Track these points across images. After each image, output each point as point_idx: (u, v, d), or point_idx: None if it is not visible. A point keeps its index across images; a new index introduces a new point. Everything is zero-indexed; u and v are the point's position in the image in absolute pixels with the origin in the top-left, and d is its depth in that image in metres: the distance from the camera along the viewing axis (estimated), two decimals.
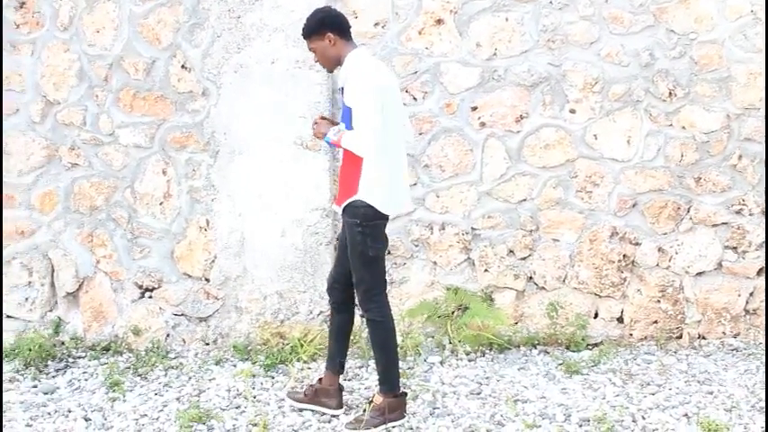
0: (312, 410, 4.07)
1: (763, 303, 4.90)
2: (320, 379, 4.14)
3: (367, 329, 4.02)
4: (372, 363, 4.43)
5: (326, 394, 4.06)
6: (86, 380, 4.62)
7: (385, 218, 3.81)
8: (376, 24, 4.88)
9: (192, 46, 4.91)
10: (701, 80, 4.83)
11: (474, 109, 4.90)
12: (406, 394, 4.02)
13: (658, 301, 4.93)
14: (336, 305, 4.03)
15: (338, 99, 3.91)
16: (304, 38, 3.85)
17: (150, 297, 5.05)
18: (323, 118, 3.91)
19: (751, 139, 4.84)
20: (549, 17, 4.83)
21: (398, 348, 4.77)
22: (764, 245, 4.88)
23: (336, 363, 4.07)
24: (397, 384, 3.95)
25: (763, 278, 4.89)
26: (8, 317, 5.11)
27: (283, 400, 4.23)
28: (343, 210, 3.79)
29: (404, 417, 3.95)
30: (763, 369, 4.50)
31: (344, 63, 3.77)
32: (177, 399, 4.33)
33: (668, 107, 4.86)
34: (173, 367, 4.75)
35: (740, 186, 4.87)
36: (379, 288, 3.88)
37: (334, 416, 4.03)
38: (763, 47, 4.78)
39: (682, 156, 4.87)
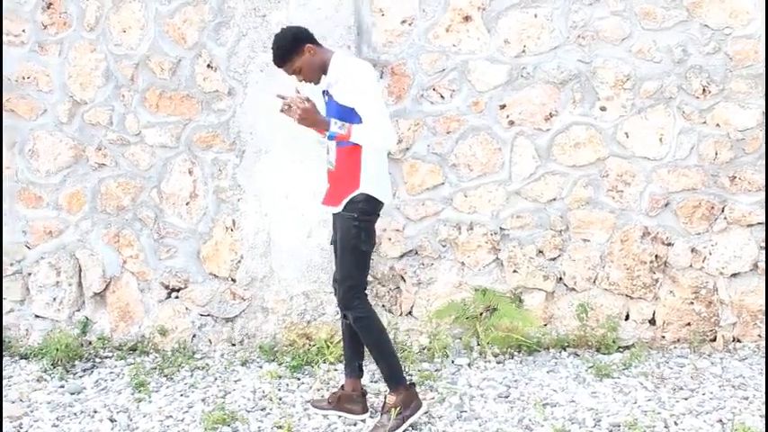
0: (339, 415, 4.04)
1: None
2: (342, 385, 4.10)
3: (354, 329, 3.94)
4: None
5: (350, 400, 4.02)
6: (113, 380, 4.62)
7: (377, 214, 3.87)
8: (403, 22, 4.82)
9: (217, 45, 4.88)
10: (737, 76, 4.70)
11: (502, 107, 4.82)
12: (414, 384, 3.98)
13: (691, 303, 4.82)
14: None
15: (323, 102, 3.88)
16: (282, 64, 3.78)
17: (177, 297, 5.05)
18: (308, 99, 3.76)
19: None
20: (578, 13, 4.74)
21: (426, 350, 4.76)
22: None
23: (355, 366, 4.05)
24: (402, 377, 3.92)
25: None
26: (36, 316, 5.15)
27: (309, 401, 4.20)
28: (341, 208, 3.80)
29: (421, 405, 3.93)
30: None
31: (332, 65, 3.76)
32: (203, 400, 4.32)
33: (702, 104, 4.74)
34: (199, 368, 4.73)
35: None
36: (364, 286, 3.89)
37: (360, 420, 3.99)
38: None
39: (716, 154, 4.75)
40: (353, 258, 3.81)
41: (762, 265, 4.76)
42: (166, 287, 5.04)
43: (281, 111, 3.75)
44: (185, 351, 4.93)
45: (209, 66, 4.90)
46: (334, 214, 3.88)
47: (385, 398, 3.93)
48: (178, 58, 4.92)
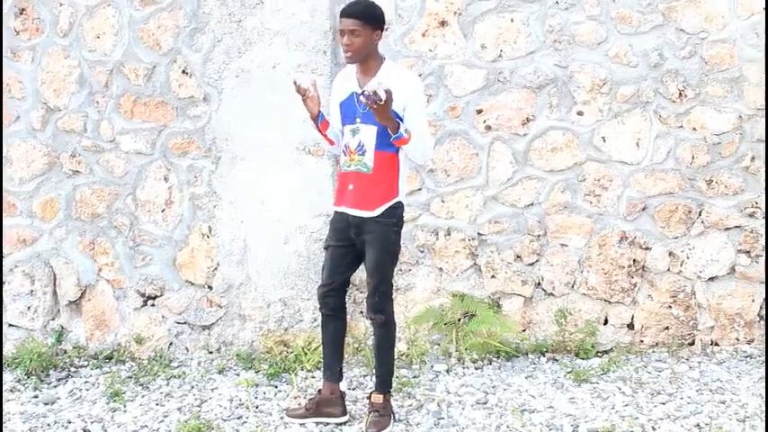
0: (316, 422, 4.00)
1: None
2: (320, 390, 4.07)
3: (375, 333, 3.96)
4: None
5: (329, 403, 3.99)
6: (87, 390, 4.56)
7: None
8: None
9: (192, 51, 4.85)
10: (712, 80, 4.72)
11: (479, 112, 4.81)
12: None
13: (670, 307, 4.82)
14: (334, 312, 3.99)
15: (356, 101, 3.79)
16: (354, 17, 3.62)
17: (153, 305, 5.00)
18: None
19: (764, 141, 4.72)
20: (555, 17, 4.74)
21: (404, 356, 4.76)
22: (764, 247, 4.77)
23: (336, 370, 4.02)
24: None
25: None
26: (10, 326, 5.08)
27: (285, 410, 4.16)
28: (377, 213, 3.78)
29: None
30: None
31: (384, 67, 3.74)
32: (178, 409, 4.26)
33: (678, 108, 4.74)
34: (175, 376, 4.68)
35: (753, 189, 4.74)
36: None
37: (340, 423, 3.96)
38: None
39: (692, 158, 4.75)
40: (391, 263, 3.88)
41: (739, 268, 4.77)
42: (142, 295, 4.99)
43: (364, 94, 3.52)
44: (162, 359, 4.88)
45: (184, 72, 4.86)
46: (357, 217, 3.79)
47: (370, 397, 3.95)
48: (153, 64, 4.88)
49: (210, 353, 4.96)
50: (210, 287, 4.94)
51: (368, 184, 3.77)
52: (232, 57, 4.80)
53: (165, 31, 4.85)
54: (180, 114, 4.89)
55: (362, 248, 3.85)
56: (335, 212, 3.92)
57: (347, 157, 3.81)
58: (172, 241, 4.96)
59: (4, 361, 4.91)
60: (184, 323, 4.98)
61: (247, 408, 4.22)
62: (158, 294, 4.98)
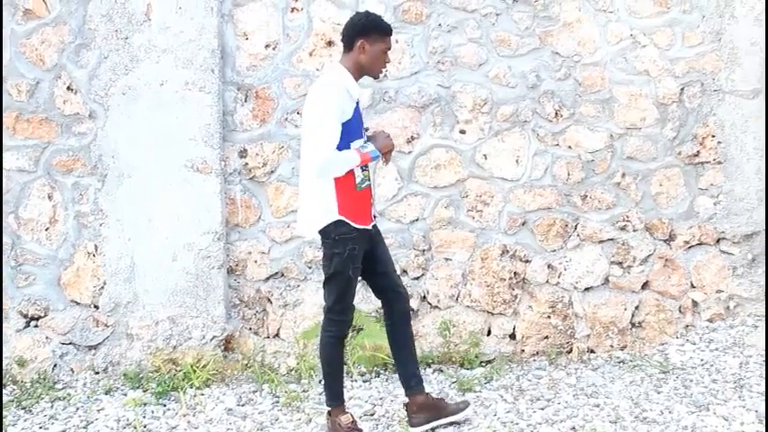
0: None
1: (648, 316, 5.06)
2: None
3: (405, 324, 4.14)
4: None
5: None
6: None
7: None
8: (267, 46, 4.87)
9: (78, 67, 4.80)
10: (585, 101, 4.98)
11: (366, 130, 4.90)
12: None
13: (549, 317, 5.03)
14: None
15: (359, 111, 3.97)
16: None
17: (36, 326, 4.88)
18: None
19: (633, 158, 5.00)
20: (438, 39, 4.91)
21: (293, 371, 4.80)
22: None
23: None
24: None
25: (647, 292, 5.05)
26: None
27: (175, 428, 4.14)
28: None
29: None
30: (647, 380, 4.62)
31: None
32: (63, 431, 4.19)
33: (554, 127, 4.98)
34: (60, 398, 4.59)
35: (624, 203, 5.02)
36: None
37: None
38: (641, 69, 4.96)
39: (568, 174, 5.00)
40: None
41: (612, 278, 5.03)
42: (25, 316, 4.87)
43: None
44: (45, 381, 4.77)
45: (69, 88, 4.81)
46: (375, 227, 3.93)
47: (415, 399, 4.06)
48: (36, 80, 4.81)
49: (97, 373, 4.88)
50: (97, 306, 4.87)
51: (370, 196, 3.90)
52: (119, 74, 4.77)
53: (49, 46, 4.79)
54: (65, 131, 4.82)
55: (372, 255, 3.92)
56: (360, 232, 3.79)
57: (367, 171, 3.84)
58: (56, 260, 4.87)
59: None
60: (70, 344, 4.89)
61: (135, 427, 4.19)
62: (42, 315, 4.88)
